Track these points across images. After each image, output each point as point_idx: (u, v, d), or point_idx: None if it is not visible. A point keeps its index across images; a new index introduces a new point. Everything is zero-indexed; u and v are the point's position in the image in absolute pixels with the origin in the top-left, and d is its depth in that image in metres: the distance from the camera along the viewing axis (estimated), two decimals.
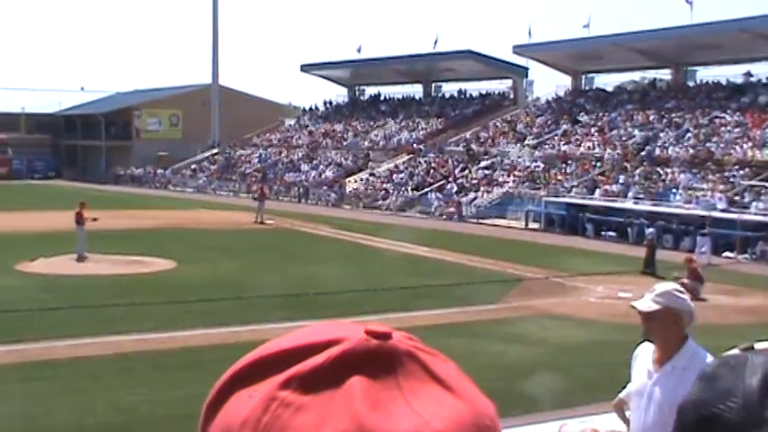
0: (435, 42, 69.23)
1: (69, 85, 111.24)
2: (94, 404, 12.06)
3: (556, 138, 51.08)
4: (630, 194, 38.78)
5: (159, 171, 72.01)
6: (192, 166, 71.49)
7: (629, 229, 34.83)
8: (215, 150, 73.64)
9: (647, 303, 4.63)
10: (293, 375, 0.74)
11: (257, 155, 68.98)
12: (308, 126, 73.74)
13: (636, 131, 47.31)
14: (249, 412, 0.74)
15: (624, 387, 8.09)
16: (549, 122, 54.58)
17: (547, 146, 50.26)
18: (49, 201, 47.13)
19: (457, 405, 0.74)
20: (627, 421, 7.80)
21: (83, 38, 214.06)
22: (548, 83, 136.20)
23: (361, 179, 55.50)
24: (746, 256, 30.53)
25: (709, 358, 4.59)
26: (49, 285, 21.94)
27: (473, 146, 54.05)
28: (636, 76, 60.46)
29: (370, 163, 58.30)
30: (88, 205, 27.87)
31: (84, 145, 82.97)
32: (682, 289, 4.78)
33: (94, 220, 26.80)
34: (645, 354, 4.80)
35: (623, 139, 46.94)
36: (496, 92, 66.27)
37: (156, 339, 15.87)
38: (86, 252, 26.28)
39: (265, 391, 0.74)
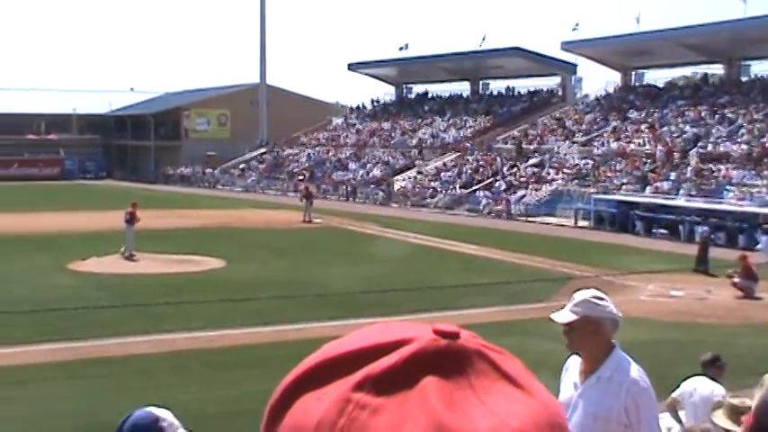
0: (483, 40, 68.80)
1: (119, 86, 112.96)
2: (147, 401, 12.12)
3: (605, 134, 50.59)
4: (682, 191, 38.27)
5: (208, 170, 72.63)
6: (241, 166, 72.01)
7: (680, 227, 34.37)
8: (263, 149, 74.09)
9: (564, 314, 4.37)
10: (366, 376, 0.73)
11: (305, 154, 69.27)
12: (355, 124, 73.89)
13: (687, 127, 46.68)
14: (323, 414, 0.72)
15: (677, 387, 7.98)
16: (598, 119, 54.08)
17: (596, 143, 49.80)
18: (101, 200, 47.80)
19: (530, 403, 0.74)
20: (680, 421, 7.70)
21: (132, 39, 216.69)
22: (597, 79, 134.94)
23: (409, 177, 55.47)
24: None
25: (635, 369, 4.40)
26: (100, 284, 22.26)
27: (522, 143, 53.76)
28: (687, 71, 59.70)
29: (417, 161, 58.25)
30: (140, 205, 28.24)
31: (133, 145, 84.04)
32: (601, 295, 4.48)
33: (136, 220, 27.08)
34: (573, 366, 4.54)
35: (674, 135, 46.34)
36: (545, 89, 65.81)
37: (206, 337, 15.99)
38: (135, 251, 26.60)
39: (338, 393, 0.73)
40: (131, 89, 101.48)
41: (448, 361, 0.74)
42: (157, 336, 16.03)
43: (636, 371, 4.44)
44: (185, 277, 23.45)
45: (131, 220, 27.00)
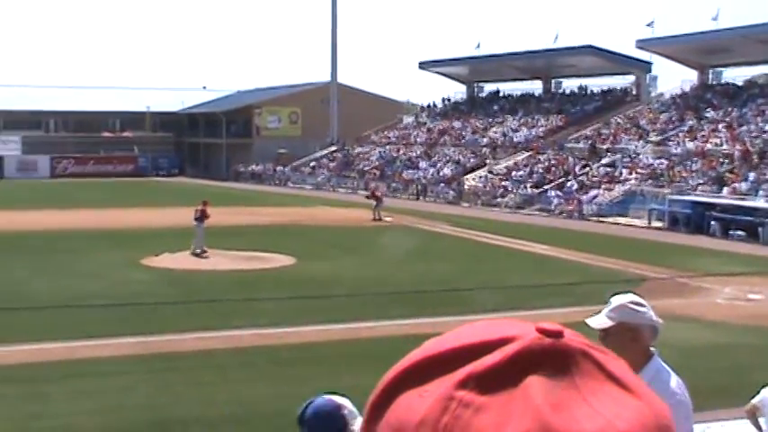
0: (555, 38, 68.26)
1: (192, 84, 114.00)
2: (217, 397, 12.34)
3: (680, 134, 49.68)
4: (761, 193, 37.38)
5: (279, 168, 73.26)
6: (311, 164, 72.49)
7: (759, 229, 33.57)
8: (333, 148, 74.48)
9: (600, 319, 4.21)
10: (470, 374, 0.72)
11: (375, 152, 69.44)
12: (425, 123, 73.82)
13: (767, 127, 45.59)
14: (426, 412, 0.72)
15: (758, 392, 7.77)
16: (673, 118, 53.13)
17: (671, 142, 48.94)
18: (173, 197, 48.58)
19: (637, 405, 0.72)
20: (759, 428, 7.49)
21: (205, 38, 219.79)
22: (672, 77, 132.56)
23: (480, 176, 55.23)
24: None
25: (674, 378, 4.22)
26: (173, 279, 22.65)
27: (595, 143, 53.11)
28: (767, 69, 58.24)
29: (488, 160, 57.97)
30: (211, 203, 28.60)
31: (206, 143, 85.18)
32: (640, 301, 4.29)
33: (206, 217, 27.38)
34: None
35: (753, 135, 45.28)
36: (618, 87, 64.90)
37: (275, 334, 16.10)
38: (206, 248, 26.93)
39: (440, 391, 0.72)
40: (204, 87, 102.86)
41: (552, 360, 0.73)
42: (226, 332, 16.19)
43: (674, 382, 4.25)
44: (255, 274, 23.70)
45: (201, 217, 27.34)
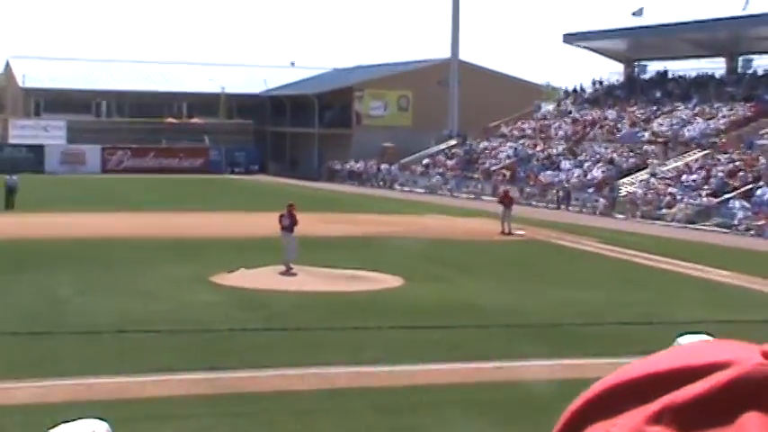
0: (746, 2, 66.73)
1: (277, 61, 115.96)
2: None
3: None
4: None
5: (383, 166, 73.77)
6: (424, 161, 72.77)
7: None
8: (453, 142, 74.59)
9: None
10: (666, 407, 0.71)
11: (506, 148, 69.28)
12: (570, 112, 73.36)
13: None
14: None
15: None
16: None
17: None
18: (253, 200, 49.43)
19: None
20: None
21: (293, 6, 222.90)
22: None
23: (640, 181, 54.59)
24: None
25: None
26: (249, 302, 23.05)
27: None
28: None
29: (651, 160, 57.26)
30: (297, 207, 28.98)
31: (293, 133, 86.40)
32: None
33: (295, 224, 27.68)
34: None
35: None
36: None
37: (376, 374, 16.27)
38: (293, 264, 27.33)
39: (630, 426, 0.72)
40: (291, 64, 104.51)
41: None
42: (316, 369, 16.41)
43: None
44: (352, 297, 23.96)
45: (291, 225, 27.66)
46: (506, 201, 40.57)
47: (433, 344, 18.44)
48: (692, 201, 48.99)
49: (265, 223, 31.88)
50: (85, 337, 18.37)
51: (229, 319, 20.42)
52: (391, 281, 26.32)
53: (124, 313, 20.70)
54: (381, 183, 71.61)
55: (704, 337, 4.38)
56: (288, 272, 27.14)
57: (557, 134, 68.92)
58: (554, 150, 65.15)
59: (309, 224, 31.05)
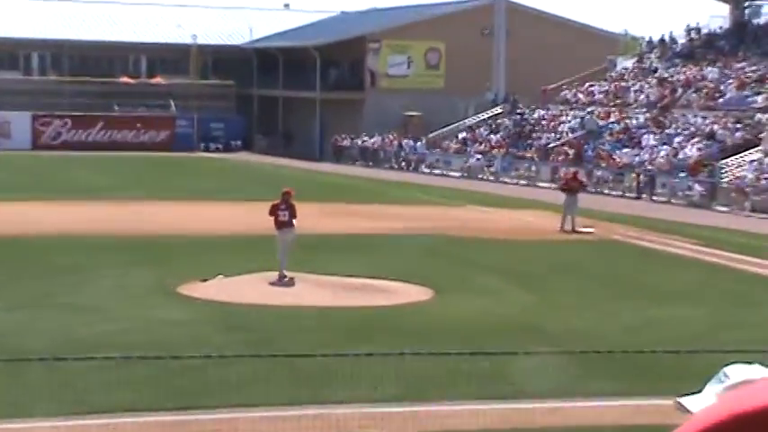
0: None
1: (266, 2, 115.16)
2: None
3: None
4: None
5: (406, 142, 73.70)
6: (461, 136, 72.70)
7: None
8: (498, 110, 74.50)
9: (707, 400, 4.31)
10: None
11: (570, 118, 69.17)
12: (656, 70, 73.18)
13: None
14: None
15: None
16: None
17: None
18: (234, 186, 49.44)
19: None
20: None
21: None
22: None
23: (751, 162, 54.42)
24: None
25: None
26: (229, 321, 23.06)
27: None
28: None
29: (765, 135, 57.10)
30: (294, 194, 28.94)
31: (287, 98, 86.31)
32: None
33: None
34: None
35: None
36: None
37: (397, 415, 16.33)
38: (287, 269, 27.28)
39: None
40: (285, 6, 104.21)
41: None
42: (317, 409, 16.43)
43: None
44: (365, 314, 24.00)
45: (290, 218, 27.50)
46: (571, 187, 40.39)
47: (472, 377, 18.40)
48: None
49: (251, 216, 31.89)
50: (11, 366, 18.31)
51: (203, 343, 20.33)
52: (417, 293, 26.37)
53: (62, 336, 20.73)
54: (403, 164, 71.72)
55: (759, 368, 4.45)
56: (281, 280, 27.08)
57: (637, 100, 68.76)
58: (633, 121, 65.03)
59: (309, 218, 31.05)
